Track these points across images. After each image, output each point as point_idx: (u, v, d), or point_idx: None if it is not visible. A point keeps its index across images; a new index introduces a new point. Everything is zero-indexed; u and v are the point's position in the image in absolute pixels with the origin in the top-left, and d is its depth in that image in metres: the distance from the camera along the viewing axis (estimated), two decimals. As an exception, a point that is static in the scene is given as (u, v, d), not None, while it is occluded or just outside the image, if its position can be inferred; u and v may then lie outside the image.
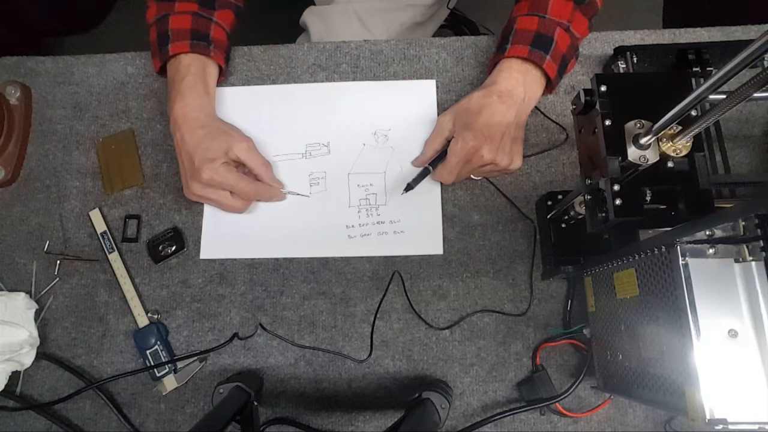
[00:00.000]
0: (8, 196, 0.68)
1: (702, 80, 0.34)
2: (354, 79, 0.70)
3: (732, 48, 0.62)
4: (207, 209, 0.66)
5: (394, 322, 0.63)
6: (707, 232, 0.40)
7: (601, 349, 0.55)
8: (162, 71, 0.66)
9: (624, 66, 0.63)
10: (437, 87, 0.68)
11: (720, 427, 0.36)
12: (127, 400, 0.62)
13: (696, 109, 0.39)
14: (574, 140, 0.66)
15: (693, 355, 0.38)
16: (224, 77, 0.69)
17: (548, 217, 0.61)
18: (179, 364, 0.62)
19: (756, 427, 0.37)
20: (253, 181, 0.63)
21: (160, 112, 0.70)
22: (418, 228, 0.64)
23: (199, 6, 0.63)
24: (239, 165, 0.63)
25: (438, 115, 0.67)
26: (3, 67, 0.72)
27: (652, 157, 0.40)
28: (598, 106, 0.43)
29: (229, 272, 0.64)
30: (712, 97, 0.40)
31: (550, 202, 0.61)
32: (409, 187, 0.62)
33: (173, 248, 0.64)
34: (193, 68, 0.62)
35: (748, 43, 0.28)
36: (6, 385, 0.61)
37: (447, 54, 0.70)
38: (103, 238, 0.65)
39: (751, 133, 0.66)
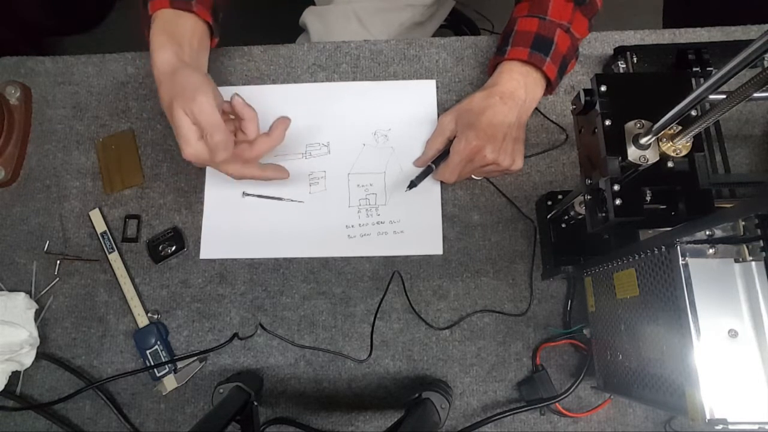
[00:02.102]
0: (8, 196, 0.68)
1: (702, 80, 0.34)
2: (354, 79, 0.70)
3: (732, 48, 0.62)
4: (207, 209, 0.66)
5: (394, 322, 0.63)
6: (707, 232, 0.40)
7: (601, 349, 0.55)
8: None
9: (624, 66, 0.63)
10: (437, 87, 0.68)
11: (720, 427, 0.36)
12: (127, 400, 0.62)
13: (696, 109, 0.39)
14: (574, 140, 0.66)
15: (693, 355, 0.38)
16: (217, 37, 0.62)
17: (548, 217, 0.61)
18: (179, 364, 0.62)
19: (756, 427, 0.37)
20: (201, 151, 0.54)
21: (160, 112, 0.70)
22: (417, 228, 0.64)
23: None
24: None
25: (438, 115, 0.67)
26: (3, 67, 0.72)
27: (652, 157, 0.40)
28: (598, 106, 0.43)
29: (229, 272, 0.64)
30: (712, 97, 0.40)
31: (550, 202, 0.61)
32: (412, 185, 0.62)
33: (173, 248, 0.64)
34: (158, 20, 0.57)
35: (748, 43, 0.28)
36: (6, 385, 0.61)
37: (447, 54, 0.70)
38: (103, 238, 0.65)
39: (751, 133, 0.66)
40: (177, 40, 0.57)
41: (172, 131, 0.61)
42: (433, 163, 0.63)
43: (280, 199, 0.65)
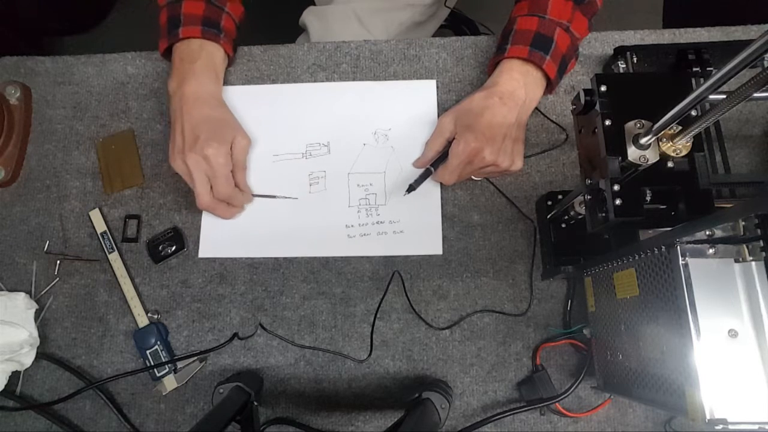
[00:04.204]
0: (8, 196, 0.68)
1: (702, 80, 0.34)
2: (354, 79, 0.70)
3: (732, 48, 0.62)
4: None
5: (394, 322, 0.63)
6: (707, 232, 0.40)
7: (601, 349, 0.55)
8: (166, 53, 0.66)
9: (624, 66, 0.63)
10: (437, 87, 0.68)
11: (720, 427, 0.36)
12: (127, 400, 0.62)
13: (696, 109, 0.39)
14: (574, 140, 0.66)
15: (693, 355, 0.38)
16: (231, 67, 0.70)
17: (548, 217, 0.61)
18: (179, 364, 0.62)
19: (756, 427, 0.37)
20: (233, 186, 0.62)
21: (160, 112, 0.70)
22: (417, 228, 0.64)
23: None
24: None
25: (438, 115, 0.67)
26: (3, 67, 0.72)
27: (652, 157, 0.41)
28: (598, 106, 0.43)
29: (229, 272, 0.64)
30: (712, 97, 0.40)
31: (550, 202, 0.61)
32: (411, 188, 0.62)
33: (173, 248, 0.64)
34: (204, 53, 0.63)
35: (748, 43, 0.28)
36: (6, 385, 0.61)
37: (447, 54, 0.70)
38: (103, 238, 0.65)
39: (751, 133, 0.66)
40: (216, 70, 0.65)
41: (173, 107, 0.62)
42: (432, 166, 0.63)
43: (273, 197, 0.65)
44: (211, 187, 0.61)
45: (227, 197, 0.62)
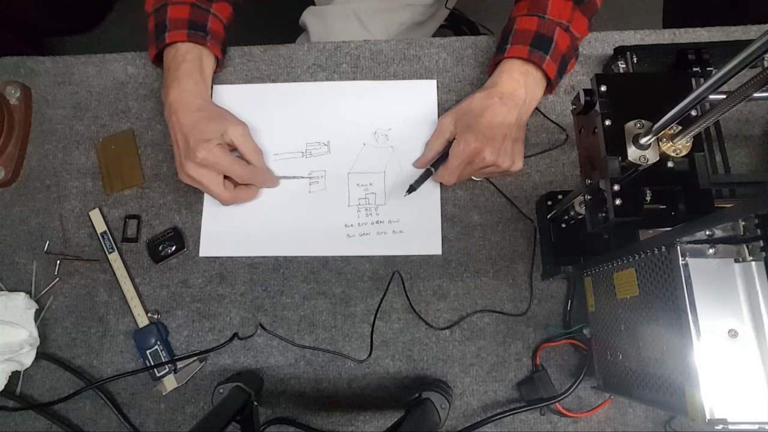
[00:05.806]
0: (8, 196, 0.68)
1: (702, 80, 0.34)
2: (354, 79, 0.70)
3: (732, 48, 0.62)
4: (206, 207, 0.66)
5: (394, 322, 0.63)
6: (707, 232, 0.40)
7: (601, 349, 0.55)
8: (157, 60, 0.66)
9: (624, 66, 0.63)
10: (437, 87, 0.68)
11: (720, 427, 0.36)
12: (127, 400, 0.62)
13: (696, 109, 0.39)
14: (574, 140, 0.66)
15: (693, 355, 0.38)
16: (221, 68, 0.69)
17: (548, 217, 0.61)
18: (179, 364, 0.62)
19: (756, 427, 0.37)
20: (247, 165, 0.63)
21: (160, 112, 0.70)
22: (417, 228, 0.64)
23: None
24: (233, 150, 0.63)
25: (438, 115, 0.67)
26: (3, 67, 0.72)
27: (652, 157, 0.40)
28: (598, 106, 0.43)
29: (229, 272, 0.64)
30: (712, 97, 0.40)
31: (550, 202, 0.61)
32: (411, 189, 0.62)
33: (173, 248, 0.64)
34: (189, 56, 0.63)
35: (748, 43, 0.28)
36: (6, 385, 0.61)
37: (447, 54, 0.70)
38: (103, 238, 0.65)
39: (751, 133, 0.66)
40: (201, 73, 0.64)
41: (167, 117, 0.62)
42: (432, 166, 0.63)
43: (297, 177, 0.66)
44: (226, 179, 0.61)
45: (248, 179, 0.62)
